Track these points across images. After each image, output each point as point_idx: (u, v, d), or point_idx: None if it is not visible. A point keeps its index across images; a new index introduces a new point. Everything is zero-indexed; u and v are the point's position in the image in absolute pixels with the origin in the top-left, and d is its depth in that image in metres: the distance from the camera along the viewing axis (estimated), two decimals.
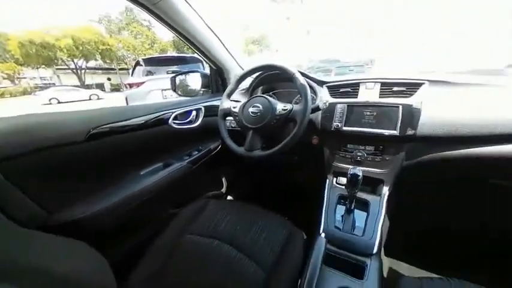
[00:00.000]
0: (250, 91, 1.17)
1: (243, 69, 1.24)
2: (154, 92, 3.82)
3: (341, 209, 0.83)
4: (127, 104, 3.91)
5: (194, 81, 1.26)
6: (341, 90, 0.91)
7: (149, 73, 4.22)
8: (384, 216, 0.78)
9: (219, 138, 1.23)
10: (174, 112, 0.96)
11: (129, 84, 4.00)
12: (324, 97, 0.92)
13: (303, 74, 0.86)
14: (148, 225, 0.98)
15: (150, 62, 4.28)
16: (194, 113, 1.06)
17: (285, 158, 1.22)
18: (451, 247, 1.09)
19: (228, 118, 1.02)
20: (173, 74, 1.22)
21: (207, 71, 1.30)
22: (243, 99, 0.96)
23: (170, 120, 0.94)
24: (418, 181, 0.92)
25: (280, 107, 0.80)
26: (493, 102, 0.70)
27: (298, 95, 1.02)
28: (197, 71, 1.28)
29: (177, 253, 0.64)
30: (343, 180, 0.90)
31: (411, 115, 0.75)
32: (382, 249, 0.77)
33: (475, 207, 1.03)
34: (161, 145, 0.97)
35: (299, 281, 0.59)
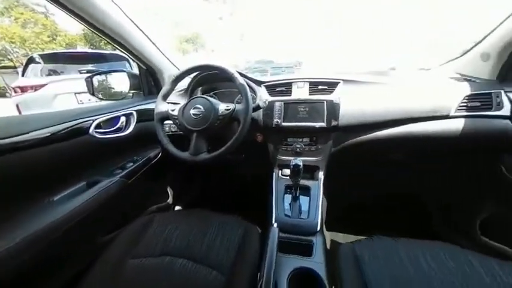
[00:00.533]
0: (190, 92, 1.11)
1: (178, 69, 1.16)
2: (63, 97, 3.07)
3: (288, 198, 0.91)
4: (19, 113, 2.98)
5: (120, 82, 1.09)
6: (277, 89, 1.00)
7: (53, 73, 3.36)
8: (322, 197, 0.91)
9: (158, 145, 1.11)
10: (96, 119, 0.80)
11: (20, 88, 3.06)
12: (263, 96, 0.98)
13: (241, 75, 0.88)
14: (77, 261, 0.79)
15: (53, 58, 3.39)
16: (123, 119, 0.92)
17: (232, 157, 1.23)
18: (373, 212, 1.37)
19: (166, 122, 0.94)
20: (89, 74, 1.01)
21: (136, 70, 1.15)
22: (182, 101, 0.91)
23: (91, 130, 0.78)
24: (343, 163, 1.11)
25: (222, 107, 0.80)
26: (383, 96, 0.92)
27: (240, 95, 1.05)
28: (123, 71, 1.11)
29: (117, 284, 0.55)
30: (287, 171, 0.99)
31: (333, 109, 0.89)
32: (324, 225, 0.90)
33: (384, 179, 1.34)
34: (82, 160, 0.80)
35: (258, 274, 0.61)
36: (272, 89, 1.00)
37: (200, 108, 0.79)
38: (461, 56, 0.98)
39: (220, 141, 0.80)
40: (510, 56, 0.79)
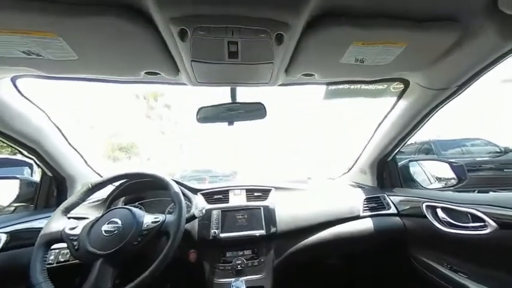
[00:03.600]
0: (108, 203, 0.93)
1: (101, 176, 1.03)
2: None
3: None
4: None
5: (3, 192, 0.82)
6: (215, 196, 0.99)
7: None
8: None
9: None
10: None
11: None
12: (199, 204, 0.93)
13: (177, 182, 0.86)
14: None
15: None
16: None
17: None
18: None
19: (56, 246, 0.68)
20: None
21: (37, 177, 0.93)
22: (94, 215, 0.73)
23: None
24: (288, 278, 1.00)
25: (148, 219, 0.68)
26: (310, 201, 1.05)
27: (172, 204, 0.95)
28: (15, 178, 0.88)
29: None
30: None
31: (270, 215, 0.92)
32: None
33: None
34: None
35: None
36: (209, 196, 0.99)
37: (117, 223, 0.64)
38: (349, 170, 1.36)
39: (137, 267, 0.60)
40: (377, 170, 1.16)
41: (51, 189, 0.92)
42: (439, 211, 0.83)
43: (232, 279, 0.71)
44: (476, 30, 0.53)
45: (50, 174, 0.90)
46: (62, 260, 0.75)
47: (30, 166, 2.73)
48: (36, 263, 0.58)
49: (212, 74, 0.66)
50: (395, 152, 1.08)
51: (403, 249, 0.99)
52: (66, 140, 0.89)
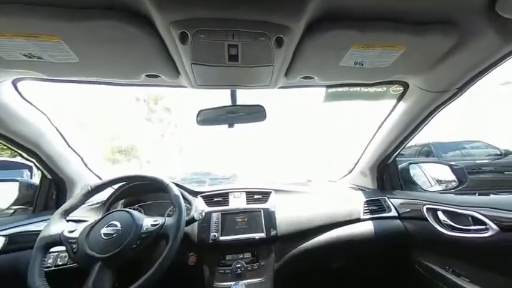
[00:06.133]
0: (107, 206, 0.93)
1: (100, 178, 1.03)
2: None
3: None
4: None
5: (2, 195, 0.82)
6: (214, 199, 0.99)
7: None
8: None
9: None
10: None
11: None
12: (199, 207, 0.93)
13: (177, 185, 0.86)
14: None
15: None
16: None
17: None
18: None
19: (54, 249, 0.67)
20: None
21: (36, 180, 0.93)
22: (93, 217, 0.73)
23: None
24: (289, 281, 0.99)
25: (148, 222, 0.68)
26: (310, 203, 1.04)
27: (171, 207, 0.95)
28: (15, 180, 0.87)
29: None
30: None
31: (270, 217, 0.92)
32: None
33: None
34: None
35: None
36: (209, 199, 0.99)
37: (116, 226, 0.64)
38: (349, 172, 1.35)
39: (136, 271, 0.60)
40: (378, 173, 1.15)
41: (51, 192, 0.92)
42: (440, 214, 0.82)
43: (232, 283, 0.70)
44: (475, 33, 0.53)
45: (49, 176, 0.90)
46: (60, 263, 0.74)
47: (30, 169, 2.73)
48: (34, 267, 0.57)
49: (212, 76, 0.67)
50: (396, 154, 1.08)
51: (405, 253, 0.98)
52: (66, 142, 0.89)
